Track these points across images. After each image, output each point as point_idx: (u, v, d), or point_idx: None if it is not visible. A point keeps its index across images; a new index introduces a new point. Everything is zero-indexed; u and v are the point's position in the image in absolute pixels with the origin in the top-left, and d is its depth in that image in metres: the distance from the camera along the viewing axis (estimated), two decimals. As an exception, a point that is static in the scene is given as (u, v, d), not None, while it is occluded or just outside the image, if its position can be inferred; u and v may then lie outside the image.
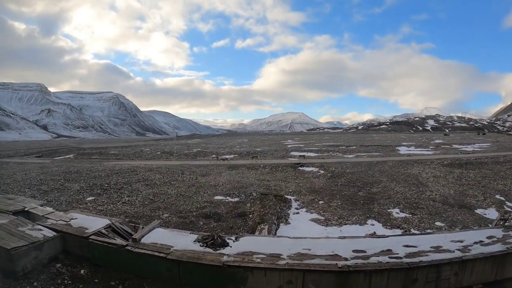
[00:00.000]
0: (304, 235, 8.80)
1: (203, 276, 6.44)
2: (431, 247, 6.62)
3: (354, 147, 51.36)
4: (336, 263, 6.07)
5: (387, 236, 7.76)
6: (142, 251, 6.88)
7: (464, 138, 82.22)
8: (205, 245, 7.06)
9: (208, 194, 17.07)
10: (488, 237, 7.06)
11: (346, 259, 6.22)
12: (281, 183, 20.24)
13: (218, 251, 6.84)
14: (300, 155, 35.45)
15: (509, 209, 14.44)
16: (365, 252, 6.50)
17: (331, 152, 42.45)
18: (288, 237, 7.78)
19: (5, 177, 22.64)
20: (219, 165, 29.12)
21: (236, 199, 16.02)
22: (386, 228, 12.06)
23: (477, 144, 53.19)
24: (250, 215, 13.33)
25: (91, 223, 8.45)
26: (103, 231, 7.88)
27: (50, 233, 7.72)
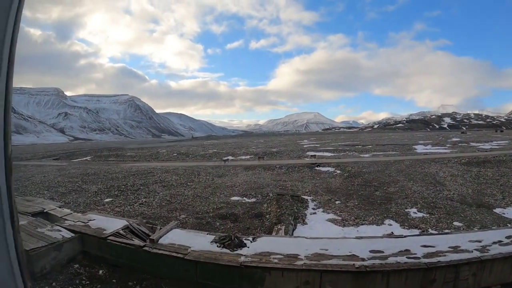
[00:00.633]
0: (321, 236, 8.85)
1: (221, 276, 6.45)
2: (449, 247, 6.54)
3: (370, 146, 50.86)
4: (354, 264, 6.03)
5: (405, 236, 7.68)
6: (160, 251, 6.95)
7: (482, 136, 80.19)
8: (222, 245, 7.07)
9: (225, 195, 17.24)
10: (507, 237, 6.93)
11: (363, 260, 6.18)
12: (298, 183, 20.27)
13: (235, 252, 6.84)
14: (311, 155, 35.37)
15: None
16: (382, 252, 6.46)
17: (347, 152, 42.16)
18: (305, 237, 7.77)
19: (23, 180, 23.33)
20: (235, 166, 29.31)
21: (253, 200, 16.13)
22: (403, 228, 11.94)
23: (495, 142, 51.80)
24: (267, 216, 13.40)
25: (109, 224, 8.57)
26: (121, 232, 8.02)
27: (68, 234, 7.82)
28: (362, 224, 12.49)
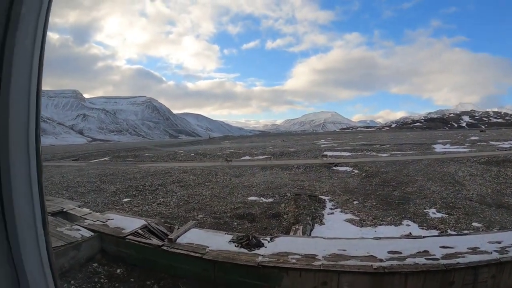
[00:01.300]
0: (339, 236, 8.88)
1: (238, 276, 6.51)
2: (468, 248, 6.46)
3: (388, 145, 50.16)
4: (371, 264, 6.00)
5: (424, 237, 7.60)
6: (178, 251, 7.04)
7: (501, 135, 77.72)
8: (240, 245, 7.14)
9: (242, 195, 17.40)
10: (528, 239, 6.86)
11: (381, 260, 6.14)
12: (315, 183, 20.27)
13: (253, 252, 6.89)
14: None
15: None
16: (400, 253, 6.41)
17: (364, 151, 41.74)
18: (323, 238, 7.74)
19: (43, 180, 23.99)
20: (252, 166, 29.47)
21: (270, 200, 16.23)
22: (422, 228, 11.83)
23: (515, 141, 50.40)
24: (285, 216, 13.46)
25: (128, 223, 8.74)
26: (140, 231, 8.18)
27: (87, 233, 8.02)
28: (380, 225, 12.44)
